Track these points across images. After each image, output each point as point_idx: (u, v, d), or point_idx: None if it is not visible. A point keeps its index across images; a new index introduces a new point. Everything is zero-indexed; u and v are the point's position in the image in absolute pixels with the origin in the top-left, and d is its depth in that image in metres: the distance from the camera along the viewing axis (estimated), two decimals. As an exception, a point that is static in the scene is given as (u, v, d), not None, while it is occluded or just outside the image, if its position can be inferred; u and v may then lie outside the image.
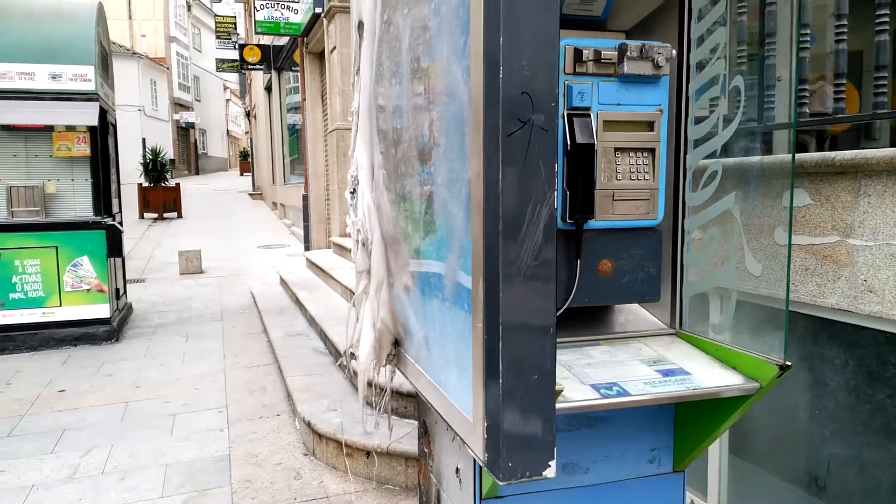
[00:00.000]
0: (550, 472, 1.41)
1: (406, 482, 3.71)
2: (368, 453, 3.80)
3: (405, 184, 1.83)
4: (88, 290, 6.68)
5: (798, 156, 2.12)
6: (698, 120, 1.91)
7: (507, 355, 1.35)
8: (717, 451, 2.62)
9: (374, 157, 2.11)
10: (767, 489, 2.52)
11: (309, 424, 4.12)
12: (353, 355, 2.29)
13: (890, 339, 1.96)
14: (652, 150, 1.81)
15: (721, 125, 1.79)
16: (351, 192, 2.19)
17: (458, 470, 2.00)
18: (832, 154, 2.03)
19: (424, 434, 2.37)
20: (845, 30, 2.13)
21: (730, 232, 1.80)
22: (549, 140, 1.35)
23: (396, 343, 2.15)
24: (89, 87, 6.55)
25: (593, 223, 1.77)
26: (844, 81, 2.17)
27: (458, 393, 1.57)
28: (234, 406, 4.97)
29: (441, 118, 1.58)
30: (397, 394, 4.06)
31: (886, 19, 2.13)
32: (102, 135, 6.80)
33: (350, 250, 8.49)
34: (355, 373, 2.26)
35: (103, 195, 6.75)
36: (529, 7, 1.29)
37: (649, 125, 1.80)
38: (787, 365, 1.60)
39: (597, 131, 1.75)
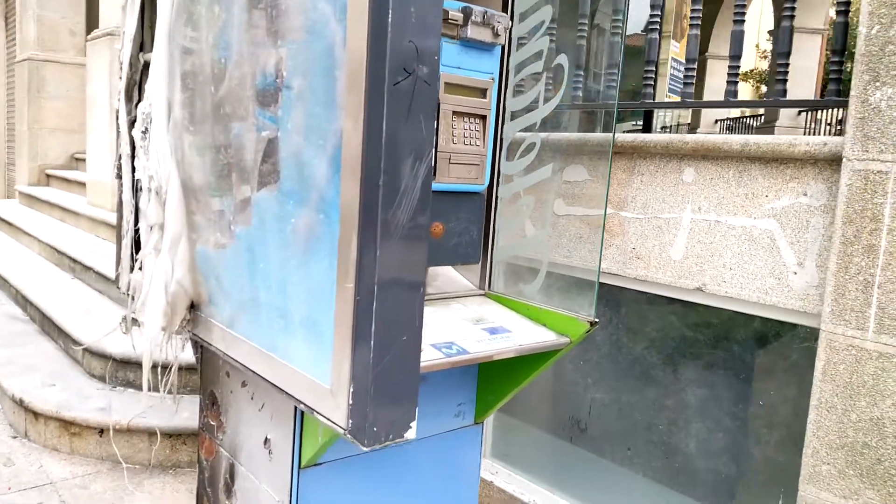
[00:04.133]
0: (412, 434, 1.39)
1: (149, 459, 3.35)
2: (102, 431, 3.35)
3: (230, 127, 1.62)
4: None
5: (583, 135, 2.35)
6: (517, 92, 2.00)
7: (381, 316, 1.29)
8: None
9: (173, 95, 1.83)
10: (529, 438, 2.80)
11: (21, 402, 3.49)
12: (135, 321, 1.99)
13: (651, 298, 2.30)
14: (483, 118, 1.85)
15: (542, 100, 1.90)
16: (143, 132, 1.87)
17: (267, 440, 1.86)
18: (619, 136, 2.28)
19: (212, 405, 2.16)
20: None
21: (543, 202, 1.93)
22: (430, 94, 1.31)
23: (192, 307, 1.92)
24: None
25: (434, 185, 1.76)
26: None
27: (306, 360, 1.46)
28: None
29: (296, 57, 1.42)
30: (139, 364, 3.63)
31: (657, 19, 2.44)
32: None
33: (48, 202, 7.31)
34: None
35: None
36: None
37: (482, 92, 1.84)
38: (596, 322, 1.79)
39: (440, 92, 1.74)
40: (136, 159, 1.89)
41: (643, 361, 2.38)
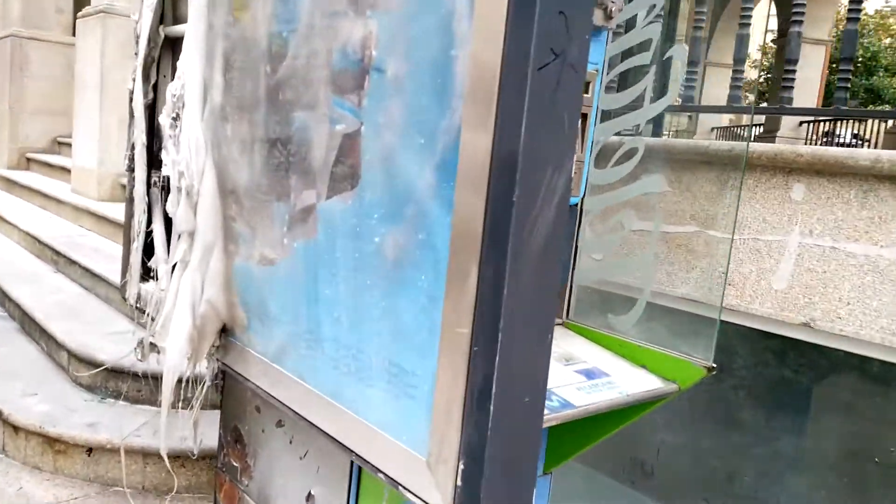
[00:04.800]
0: (528, 517, 1.10)
1: (143, 482, 3.01)
2: (91, 450, 3.00)
3: (291, 117, 1.31)
4: None
5: (666, 141, 2.06)
6: (610, 88, 1.70)
7: (505, 371, 0.99)
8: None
9: (211, 76, 1.50)
10: (579, 476, 2.51)
11: (0, 414, 3.13)
12: (153, 346, 1.66)
13: (742, 331, 2.02)
14: (584, 116, 1.55)
15: (648, 98, 1.61)
16: (173, 119, 1.55)
17: (310, 496, 1.55)
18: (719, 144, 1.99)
19: (236, 443, 1.84)
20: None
21: (647, 219, 1.63)
22: (577, 85, 1.01)
23: (224, 330, 1.60)
24: None
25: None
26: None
27: (387, 416, 1.15)
28: None
29: (392, 31, 1.11)
30: (132, 374, 3.29)
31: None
32: None
33: (28, 187, 6.88)
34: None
35: None
36: None
37: (586, 86, 1.54)
38: (714, 367, 1.50)
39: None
40: (162, 151, 1.56)
41: (728, 402, 2.10)
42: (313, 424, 1.31)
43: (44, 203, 6.52)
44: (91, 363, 3.37)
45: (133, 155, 1.94)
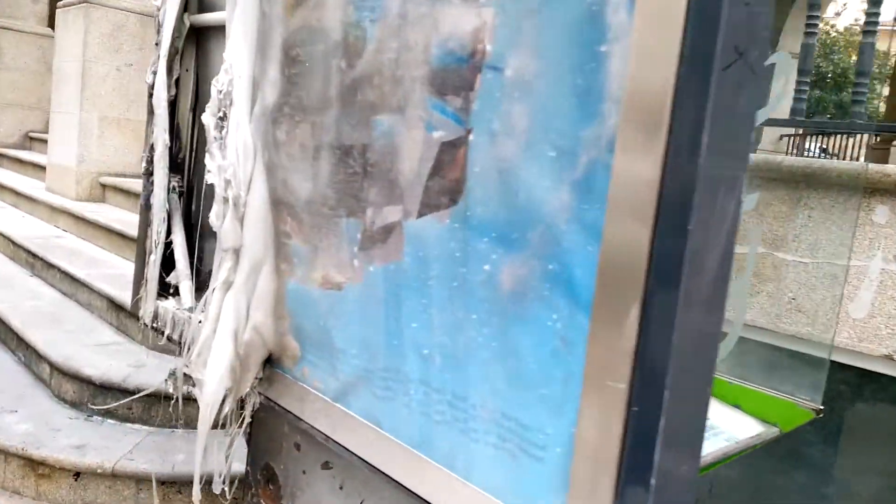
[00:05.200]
0: None
1: (136, 510, 2.78)
2: (78, 474, 2.76)
3: (372, 121, 1.12)
4: None
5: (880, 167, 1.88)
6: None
7: (667, 437, 0.82)
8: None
9: (264, 70, 1.31)
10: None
11: (-24, 435, 2.87)
12: (187, 377, 1.46)
13: (813, 361, 1.88)
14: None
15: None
16: (219, 119, 1.35)
17: (366, 550, 1.36)
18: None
19: (268, 483, 1.64)
20: None
21: (740, 240, 1.48)
22: (756, 90, 0.86)
23: (269, 360, 1.40)
24: None
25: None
26: None
27: (498, 481, 0.98)
28: None
29: (515, 21, 0.94)
30: (121, 390, 3.05)
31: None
32: None
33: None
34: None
35: None
36: None
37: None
38: (821, 410, 1.35)
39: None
40: (207, 156, 1.36)
41: (792, 436, 1.96)
42: (390, 477, 1.13)
43: (15, 201, 6.18)
44: (76, 378, 3.12)
45: (152, 157, 1.74)
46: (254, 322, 1.33)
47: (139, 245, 1.81)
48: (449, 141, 1.02)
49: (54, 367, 3.23)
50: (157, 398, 3.02)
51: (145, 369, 3.19)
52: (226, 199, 1.31)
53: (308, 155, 1.25)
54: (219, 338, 1.34)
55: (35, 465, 2.77)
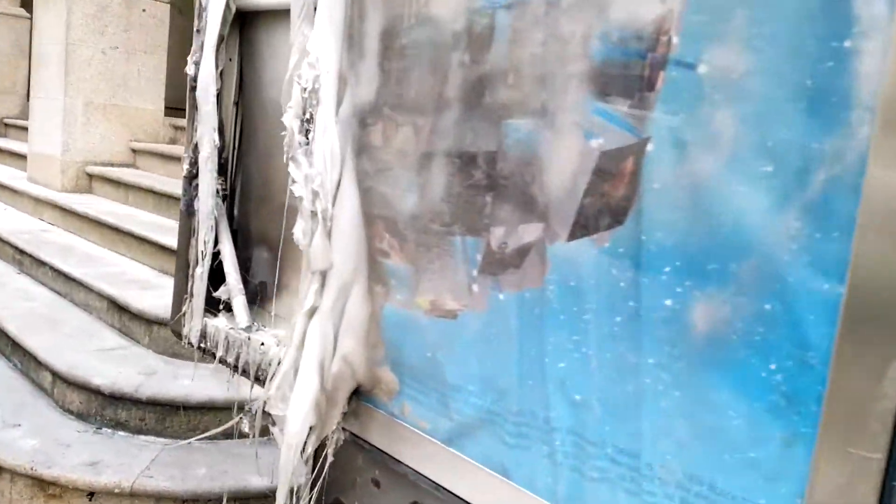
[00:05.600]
0: None
1: (155, 530, 2.60)
2: (92, 494, 2.57)
3: (503, 125, 0.96)
4: None
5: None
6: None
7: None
8: None
9: (356, 64, 1.13)
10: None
11: (-22, 453, 2.66)
12: (266, 414, 1.28)
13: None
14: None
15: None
16: (305, 122, 1.16)
17: None
18: None
19: (338, 521, 1.48)
20: None
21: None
22: None
23: (356, 391, 1.24)
24: None
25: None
26: None
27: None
28: None
29: (715, 8, 0.78)
30: (133, 401, 2.85)
31: None
32: None
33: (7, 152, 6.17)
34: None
35: None
36: None
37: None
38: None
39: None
40: (291, 164, 1.18)
41: None
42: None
43: (-5, 192, 5.88)
44: (84, 388, 2.91)
45: (196, 158, 1.55)
46: (343, 351, 1.16)
47: (180, 256, 1.63)
48: (612, 151, 0.86)
49: (57, 376, 3.01)
50: (173, 408, 2.84)
51: (157, 376, 3.00)
52: (314, 214, 1.13)
53: (411, 163, 1.08)
54: (303, 369, 1.17)
55: (45, 486, 2.57)
